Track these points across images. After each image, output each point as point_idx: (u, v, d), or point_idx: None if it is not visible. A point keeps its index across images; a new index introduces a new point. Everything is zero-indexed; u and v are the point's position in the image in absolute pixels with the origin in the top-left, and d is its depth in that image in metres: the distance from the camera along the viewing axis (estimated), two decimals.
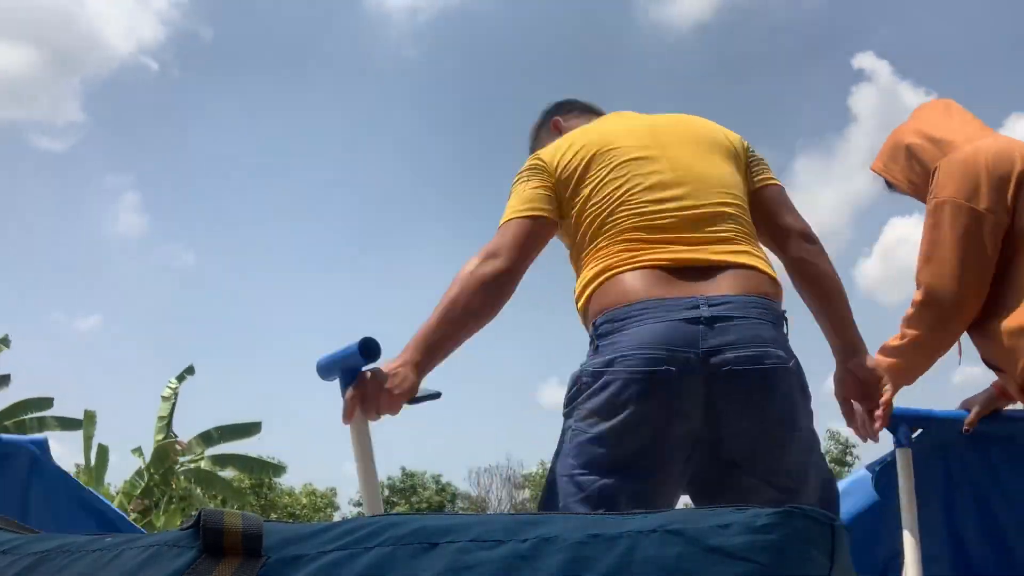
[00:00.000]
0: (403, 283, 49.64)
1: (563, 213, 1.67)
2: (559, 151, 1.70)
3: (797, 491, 1.47)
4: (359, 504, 36.13)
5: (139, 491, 14.28)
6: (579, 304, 1.63)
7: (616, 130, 1.73)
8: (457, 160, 51.51)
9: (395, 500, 36.02)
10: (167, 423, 14.90)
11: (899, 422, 1.91)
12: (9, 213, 45.45)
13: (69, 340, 43.86)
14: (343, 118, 52.13)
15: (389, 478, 37.16)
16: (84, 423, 14.18)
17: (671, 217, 1.58)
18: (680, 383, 1.43)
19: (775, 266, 1.65)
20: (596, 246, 1.60)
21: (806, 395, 1.52)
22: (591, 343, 1.54)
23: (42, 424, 14.37)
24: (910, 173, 1.97)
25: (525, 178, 1.70)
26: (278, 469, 16.65)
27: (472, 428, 47.07)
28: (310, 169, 51.55)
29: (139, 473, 14.57)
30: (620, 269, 1.54)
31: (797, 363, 1.50)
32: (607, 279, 1.55)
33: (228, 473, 16.69)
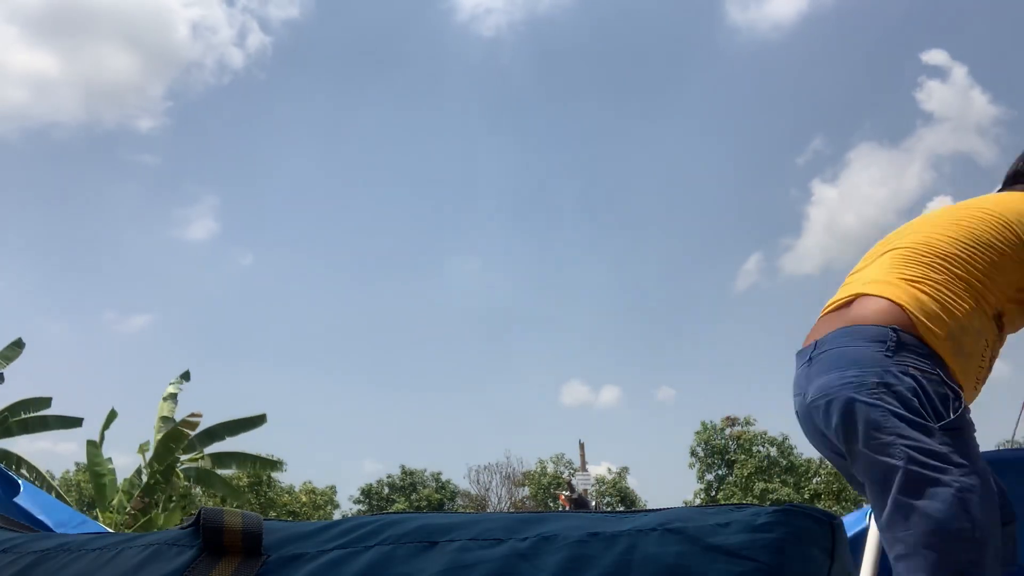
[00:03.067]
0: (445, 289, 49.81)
1: None
2: None
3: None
4: (359, 501, 36.22)
5: (139, 489, 14.28)
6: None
7: None
8: (527, 168, 51.66)
9: (394, 498, 36.05)
10: (172, 422, 14.91)
11: None
12: (96, 214, 46.24)
13: (113, 337, 44.24)
14: (412, 126, 52.15)
15: (389, 476, 37.21)
16: (106, 421, 14.22)
17: None
18: None
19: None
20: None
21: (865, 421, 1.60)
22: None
23: (43, 423, 14.37)
24: None
25: None
26: (276, 465, 16.68)
27: (473, 427, 47.21)
28: (374, 174, 51.59)
29: (139, 471, 14.58)
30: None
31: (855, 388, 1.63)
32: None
33: (228, 471, 16.73)
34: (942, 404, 1.55)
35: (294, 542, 0.57)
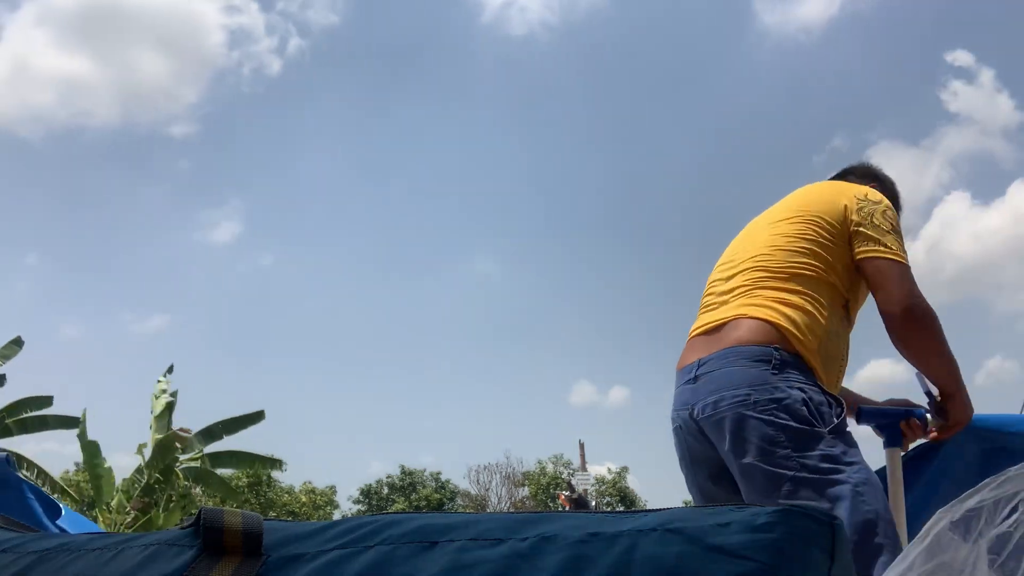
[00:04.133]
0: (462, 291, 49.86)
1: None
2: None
3: None
4: (358, 502, 36.21)
5: (139, 489, 14.28)
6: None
7: None
8: (551, 171, 51.82)
9: (394, 497, 36.04)
10: (167, 420, 14.90)
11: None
12: (122, 217, 46.54)
13: (128, 338, 44.41)
14: (437, 129, 52.21)
15: (388, 476, 37.21)
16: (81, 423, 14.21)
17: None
18: None
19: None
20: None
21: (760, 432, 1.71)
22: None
23: (42, 422, 14.37)
24: None
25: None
26: (275, 464, 16.67)
27: (473, 426, 47.23)
28: (397, 176, 51.56)
29: (139, 471, 14.58)
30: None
31: (755, 395, 1.74)
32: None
33: (227, 471, 16.71)
34: (827, 411, 1.71)
35: (294, 542, 0.57)
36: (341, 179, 51.83)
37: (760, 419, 1.69)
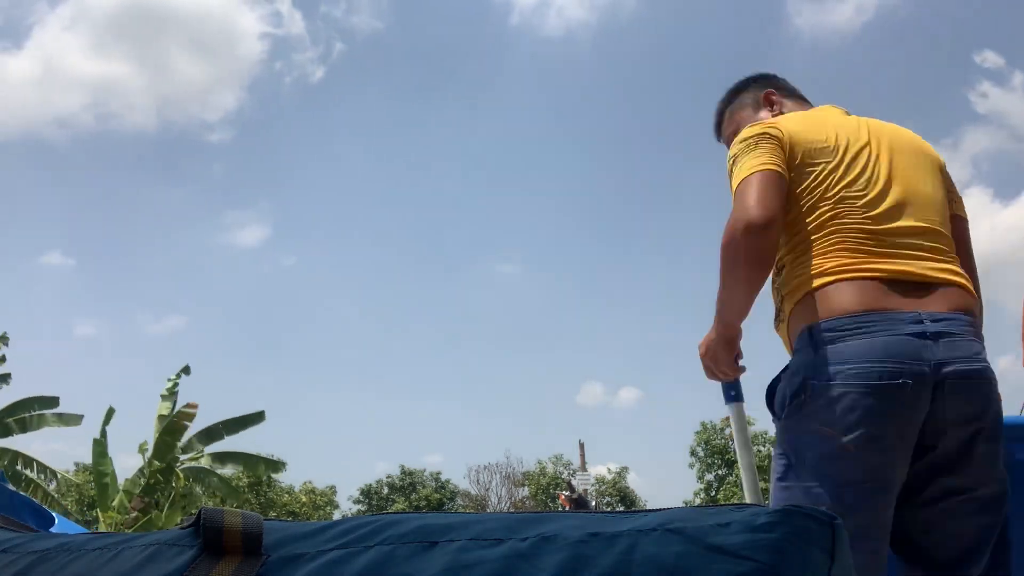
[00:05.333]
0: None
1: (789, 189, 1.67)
2: (794, 127, 1.71)
3: (1000, 498, 1.53)
4: (358, 502, 36.21)
5: (140, 489, 14.28)
6: (791, 294, 1.65)
7: (844, 125, 1.76)
8: (571, 177, 51.95)
9: (394, 497, 36.04)
10: (170, 418, 14.90)
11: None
12: (151, 219, 46.84)
13: (143, 338, 44.60)
14: (466, 135, 52.40)
15: (388, 476, 37.21)
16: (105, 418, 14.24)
17: (895, 229, 1.63)
18: (916, 395, 1.48)
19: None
20: (818, 242, 1.63)
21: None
22: (808, 345, 1.56)
23: (41, 421, 14.37)
24: None
25: (756, 144, 1.67)
26: (277, 465, 16.66)
27: (476, 426, 47.25)
28: (424, 177, 51.90)
29: (140, 471, 14.58)
30: (845, 276, 1.58)
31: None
32: (831, 283, 1.58)
33: (228, 471, 16.70)
34: None
35: (294, 542, 0.57)
36: (367, 181, 52.36)
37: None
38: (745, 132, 1.72)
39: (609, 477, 34.69)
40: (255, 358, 47.88)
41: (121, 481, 14.64)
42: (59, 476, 14.54)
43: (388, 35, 50.49)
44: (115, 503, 14.18)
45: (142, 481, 14.38)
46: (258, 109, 48.28)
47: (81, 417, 14.51)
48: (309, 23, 49.69)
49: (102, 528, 13.38)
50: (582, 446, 28.09)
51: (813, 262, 1.61)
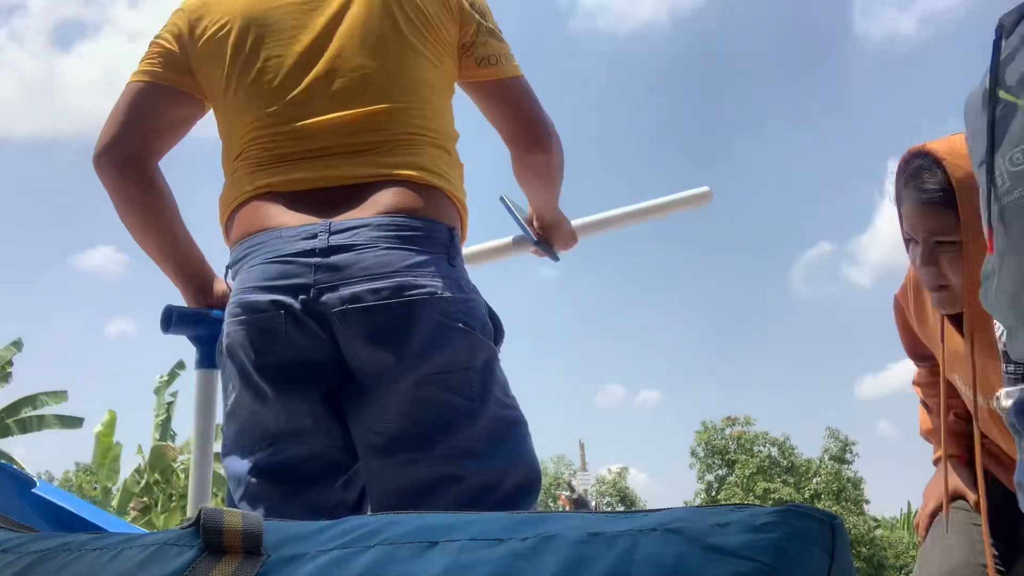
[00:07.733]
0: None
1: (200, 90, 1.36)
2: (205, 5, 1.35)
3: (396, 450, 1.19)
4: None
5: (139, 489, 14.30)
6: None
7: None
8: (617, 179, 51.95)
9: None
10: (164, 420, 14.91)
11: None
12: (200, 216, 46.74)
13: (167, 338, 45.08)
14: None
15: None
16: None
17: (300, 129, 1.27)
18: (286, 332, 1.17)
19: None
20: (229, 156, 1.35)
21: (463, 331, 1.20)
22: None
23: (41, 422, 14.37)
24: None
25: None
26: None
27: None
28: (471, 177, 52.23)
29: (139, 471, 14.59)
30: (246, 194, 1.29)
31: (449, 290, 1.20)
32: (233, 206, 1.31)
33: None
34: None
35: (294, 542, 0.57)
36: None
37: (452, 321, 1.19)
38: None
39: (609, 477, 34.71)
40: None
41: (120, 481, 14.67)
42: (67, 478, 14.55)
43: None
44: (115, 503, 14.19)
45: (141, 481, 14.40)
46: None
47: (82, 420, 14.50)
48: None
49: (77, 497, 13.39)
50: (582, 446, 28.10)
51: (226, 185, 1.39)
